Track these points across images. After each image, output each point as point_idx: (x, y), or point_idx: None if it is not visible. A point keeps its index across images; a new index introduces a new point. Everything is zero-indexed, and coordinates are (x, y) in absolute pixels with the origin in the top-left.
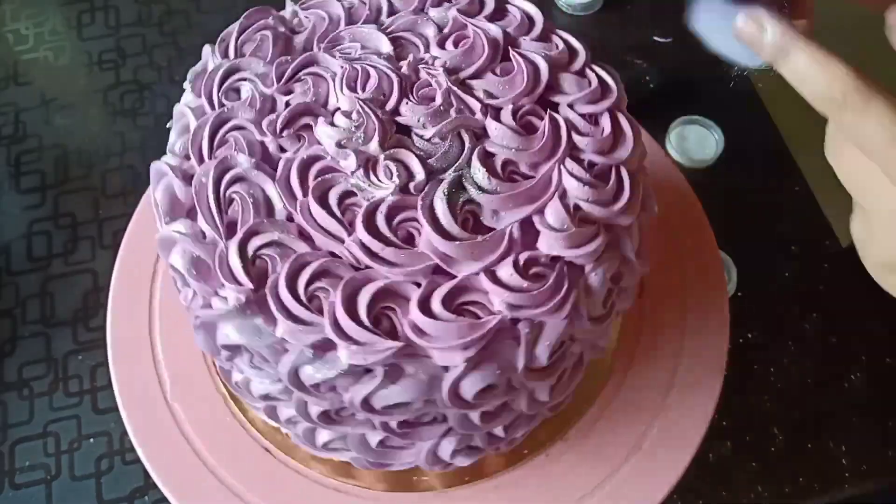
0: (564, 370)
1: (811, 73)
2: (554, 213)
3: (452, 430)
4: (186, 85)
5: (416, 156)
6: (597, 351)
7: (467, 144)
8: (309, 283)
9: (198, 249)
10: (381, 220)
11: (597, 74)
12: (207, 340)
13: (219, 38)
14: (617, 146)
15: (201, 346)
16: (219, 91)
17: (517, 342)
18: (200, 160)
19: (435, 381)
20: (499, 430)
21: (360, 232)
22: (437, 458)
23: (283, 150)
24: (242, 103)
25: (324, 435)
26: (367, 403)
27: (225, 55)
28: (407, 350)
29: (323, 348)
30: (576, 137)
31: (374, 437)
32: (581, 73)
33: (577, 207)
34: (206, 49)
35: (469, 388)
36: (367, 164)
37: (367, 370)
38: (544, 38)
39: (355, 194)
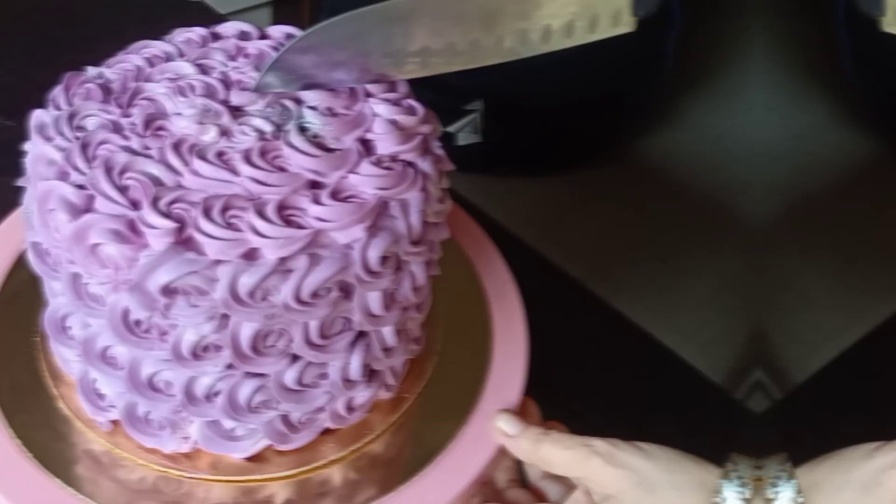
0: (432, 245)
1: None
2: (380, 125)
3: (359, 340)
4: (29, 144)
5: (260, 119)
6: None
7: (293, 106)
8: (223, 213)
9: (114, 224)
10: (257, 159)
11: None
12: (143, 298)
13: (49, 99)
14: None
15: (138, 309)
16: (70, 129)
17: (394, 217)
18: (81, 172)
19: (346, 257)
20: (390, 337)
21: (246, 171)
22: (348, 384)
23: (148, 147)
24: (95, 130)
25: (246, 389)
26: (297, 297)
27: (59, 109)
28: (317, 237)
29: (250, 256)
30: None
31: (291, 374)
32: None
33: (393, 121)
34: (36, 112)
35: (373, 256)
36: (226, 133)
37: (288, 270)
38: None
39: (226, 152)
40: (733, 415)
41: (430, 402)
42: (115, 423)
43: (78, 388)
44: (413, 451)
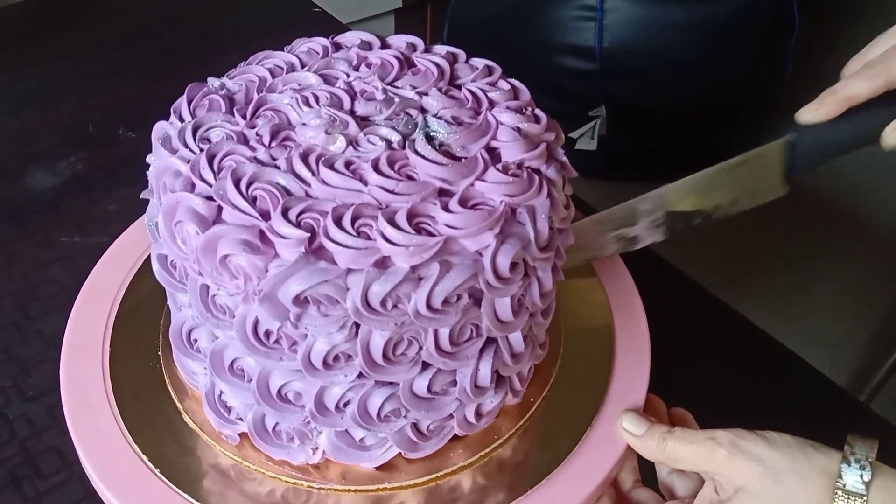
0: (558, 251)
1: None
2: (505, 133)
3: (488, 346)
4: (151, 157)
5: (387, 128)
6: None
7: (418, 114)
8: (353, 221)
9: (244, 234)
10: (385, 168)
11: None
12: (274, 308)
13: (171, 110)
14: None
15: (269, 319)
16: (194, 140)
17: (522, 223)
18: (208, 183)
19: (477, 263)
20: (518, 343)
21: (375, 180)
22: (477, 390)
23: (274, 158)
24: (220, 142)
25: (377, 399)
26: (428, 305)
27: (182, 120)
28: (448, 245)
29: (381, 264)
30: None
31: (422, 382)
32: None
33: (517, 129)
34: (159, 124)
35: (503, 262)
36: (353, 143)
37: (420, 278)
38: (428, 51)
39: (354, 161)
40: (857, 417)
41: (555, 406)
42: (242, 436)
43: (204, 402)
44: (541, 455)
